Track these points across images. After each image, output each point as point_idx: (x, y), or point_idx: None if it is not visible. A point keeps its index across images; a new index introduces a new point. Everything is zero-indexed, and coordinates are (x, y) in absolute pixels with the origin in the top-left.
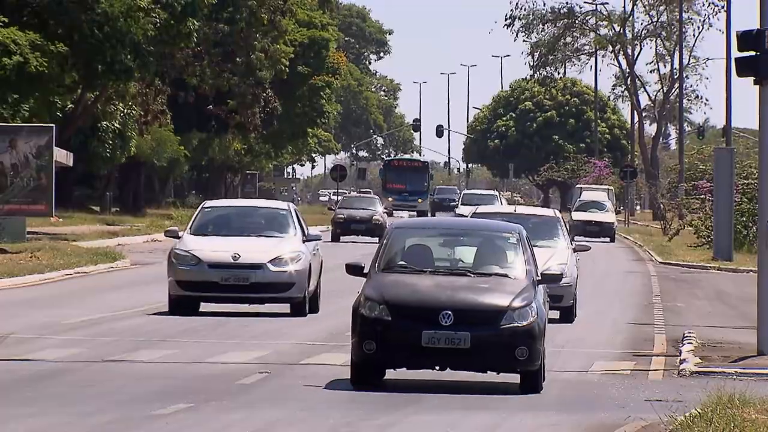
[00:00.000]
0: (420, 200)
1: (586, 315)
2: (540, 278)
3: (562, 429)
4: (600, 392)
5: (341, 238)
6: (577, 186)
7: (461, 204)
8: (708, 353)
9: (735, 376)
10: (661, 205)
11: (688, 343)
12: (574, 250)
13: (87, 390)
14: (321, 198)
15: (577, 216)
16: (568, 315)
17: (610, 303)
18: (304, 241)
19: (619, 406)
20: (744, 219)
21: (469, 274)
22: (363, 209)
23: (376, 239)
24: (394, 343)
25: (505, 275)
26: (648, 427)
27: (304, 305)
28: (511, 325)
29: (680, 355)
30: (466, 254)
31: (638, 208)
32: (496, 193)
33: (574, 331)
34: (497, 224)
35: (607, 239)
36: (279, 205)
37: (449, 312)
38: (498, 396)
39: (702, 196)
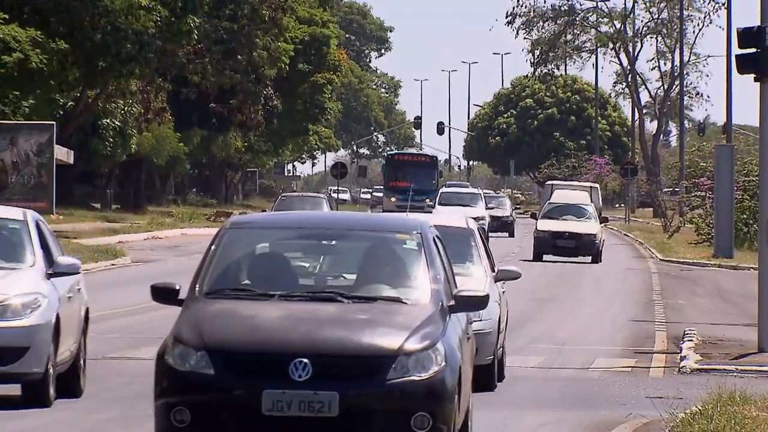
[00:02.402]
0: (428, 200)
1: (587, 312)
2: (454, 303)
3: (563, 426)
4: (601, 389)
5: None
6: (548, 182)
7: (439, 204)
8: (709, 350)
9: (736, 373)
10: (662, 202)
11: (689, 340)
12: (497, 279)
13: (87, 387)
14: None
15: (545, 225)
16: (487, 378)
17: (611, 300)
18: (49, 276)
19: (620, 403)
20: (745, 216)
21: (341, 299)
22: None
23: None
24: (218, 411)
25: (398, 299)
26: (649, 424)
27: (47, 386)
28: (404, 378)
29: (681, 353)
30: (341, 267)
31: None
32: (479, 192)
33: (575, 328)
34: (390, 221)
35: (588, 258)
36: (8, 213)
37: (305, 360)
38: (499, 394)
39: (702, 194)
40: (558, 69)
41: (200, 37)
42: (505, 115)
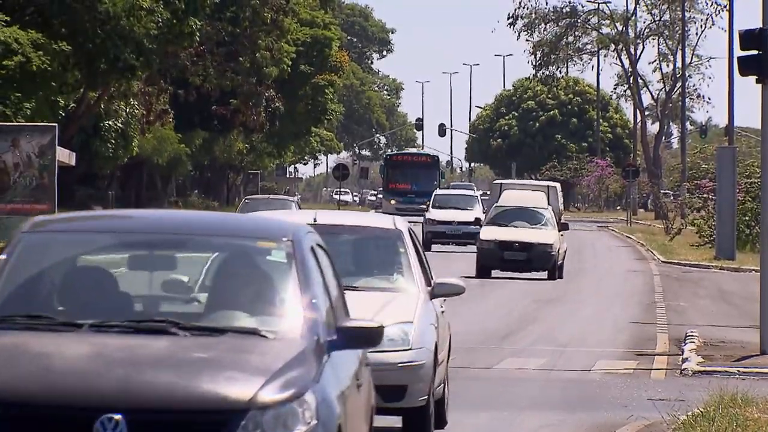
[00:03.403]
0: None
1: (589, 314)
2: (337, 337)
3: (564, 428)
4: (602, 391)
5: None
6: (496, 181)
7: (432, 207)
8: (710, 352)
9: (737, 376)
10: (663, 204)
11: (691, 342)
12: (434, 295)
13: None
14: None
15: (490, 233)
16: (420, 425)
17: (613, 302)
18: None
19: (621, 405)
20: (747, 218)
21: (176, 330)
22: None
23: None
24: None
25: (256, 332)
26: (650, 426)
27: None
28: None
29: (683, 355)
30: (178, 287)
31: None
32: (476, 194)
33: (577, 330)
34: (252, 223)
35: (544, 274)
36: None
37: (117, 416)
38: (500, 395)
39: (704, 195)
40: (559, 71)
41: (202, 39)
42: (507, 117)
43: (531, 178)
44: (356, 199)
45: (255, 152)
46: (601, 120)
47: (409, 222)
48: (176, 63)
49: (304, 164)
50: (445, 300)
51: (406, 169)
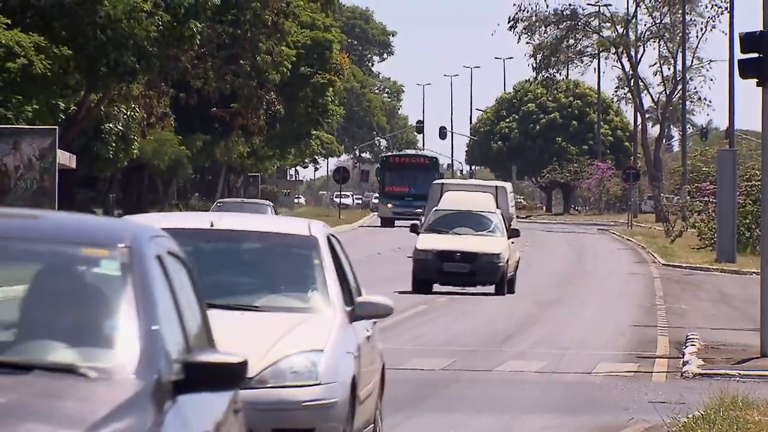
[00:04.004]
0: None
1: (590, 316)
2: (184, 376)
3: (566, 430)
4: (603, 394)
5: None
6: (436, 182)
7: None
8: (711, 355)
9: (738, 378)
10: (664, 207)
11: (692, 345)
12: (356, 317)
13: None
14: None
15: (428, 242)
16: None
17: (614, 305)
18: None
19: (622, 408)
20: (747, 221)
21: None
22: None
23: None
24: None
25: (74, 369)
26: (651, 429)
27: None
28: None
29: (683, 357)
30: None
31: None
32: None
33: (578, 333)
34: (77, 225)
35: (491, 288)
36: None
37: None
38: (501, 398)
39: (705, 198)
40: (560, 74)
41: (203, 42)
42: (507, 120)
43: (532, 182)
44: (358, 201)
45: (256, 155)
46: (601, 123)
47: (407, 227)
48: (177, 66)
49: (305, 167)
50: (375, 322)
51: (404, 170)
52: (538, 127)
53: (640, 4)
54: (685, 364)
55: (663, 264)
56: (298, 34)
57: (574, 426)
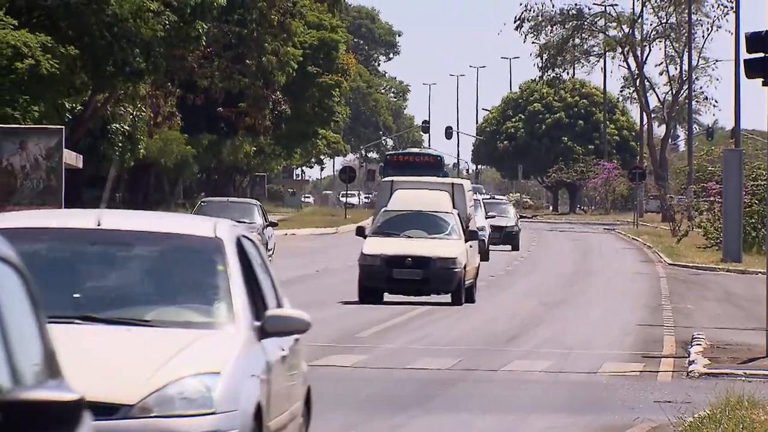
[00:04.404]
0: None
1: (596, 316)
2: (7, 416)
3: (572, 430)
4: (609, 394)
5: None
6: (385, 179)
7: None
8: (717, 355)
9: (744, 378)
10: (670, 207)
11: (697, 344)
12: (265, 333)
13: None
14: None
15: (376, 246)
16: None
17: (619, 304)
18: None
19: (628, 407)
20: (753, 220)
21: None
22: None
23: None
24: None
25: None
26: (657, 428)
27: None
28: None
29: (689, 357)
30: None
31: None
32: (478, 198)
33: (583, 333)
34: None
35: (447, 297)
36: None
37: None
38: (507, 397)
39: (711, 198)
40: (566, 73)
41: (209, 42)
42: (514, 120)
43: (537, 181)
44: (366, 200)
45: (262, 155)
46: (607, 122)
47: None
48: (183, 66)
49: (311, 167)
50: (297, 339)
51: (408, 169)
52: (544, 126)
53: (646, 4)
54: (690, 363)
55: (669, 263)
56: (304, 34)
57: (580, 425)
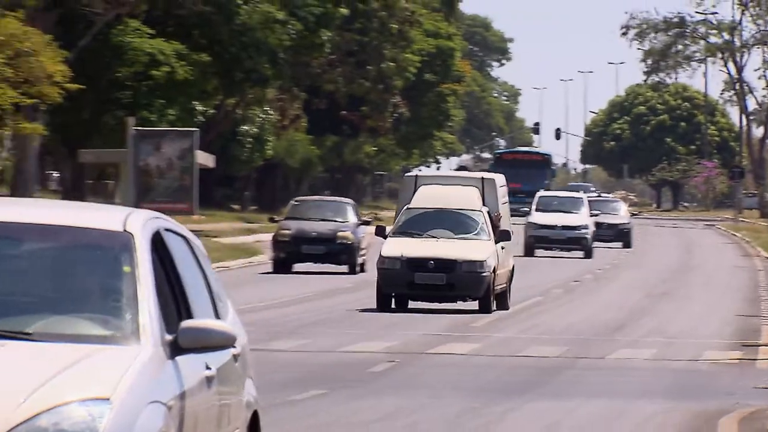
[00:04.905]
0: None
1: (697, 308)
2: None
3: (674, 414)
4: (709, 380)
5: (292, 266)
6: (409, 174)
7: (536, 210)
8: None
9: None
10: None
11: None
12: (178, 349)
13: None
14: None
15: (395, 247)
16: None
17: (720, 296)
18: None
19: (728, 393)
20: None
21: None
22: (322, 221)
23: (345, 267)
24: None
25: None
26: (756, 412)
27: None
28: None
29: None
30: None
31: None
32: (582, 196)
33: (686, 323)
34: None
35: (475, 304)
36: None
37: None
38: (614, 384)
39: None
40: (669, 77)
41: (333, 49)
42: (619, 122)
43: (642, 180)
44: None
45: (382, 154)
46: (708, 124)
47: (515, 224)
48: (308, 72)
49: (428, 166)
50: (237, 356)
51: (517, 167)
52: (648, 128)
53: (745, 12)
54: None
55: (767, 257)
56: (422, 42)
57: (682, 410)
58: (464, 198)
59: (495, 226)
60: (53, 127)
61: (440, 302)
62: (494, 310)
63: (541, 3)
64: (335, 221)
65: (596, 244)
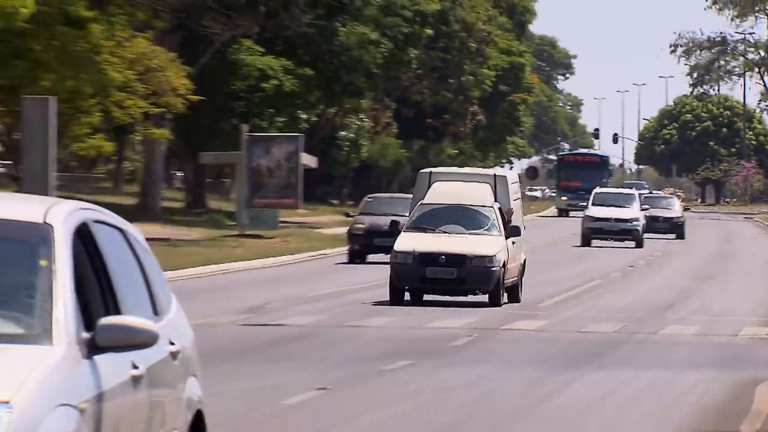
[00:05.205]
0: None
1: (737, 290)
2: None
3: (716, 383)
4: (747, 353)
5: (366, 256)
6: (423, 171)
7: (592, 204)
8: None
9: None
10: None
11: None
12: (96, 348)
13: (327, 350)
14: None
15: (408, 242)
16: None
17: (757, 280)
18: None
19: (765, 364)
20: None
21: None
22: (394, 215)
23: None
24: None
25: None
26: None
27: None
28: None
29: None
30: None
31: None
32: (635, 192)
33: (727, 303)
34: None
35: (485, 297)
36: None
37: None
38: (664, 356)
39: None
40: (712, 89)
41: (419, 65)
42: (668, 128)
43: (688, 178)
44: (553, 194)
45: (462, 156)
46: (746, 129)
47: (575, 217)
48: (398, 84)
49: (501, 167)
50: (177, 352)
51: (577, 168)
52: (693, 133)
53: None
54: None
55: None
56: (497, 58)
57: (724, 379)
58: (476, 194)
59: (507, 221)
60: (177, 133)
61: (451, 296)
62: (505, 303)
63: (600, 24)
64: (405, 216)
65: (653, 235)
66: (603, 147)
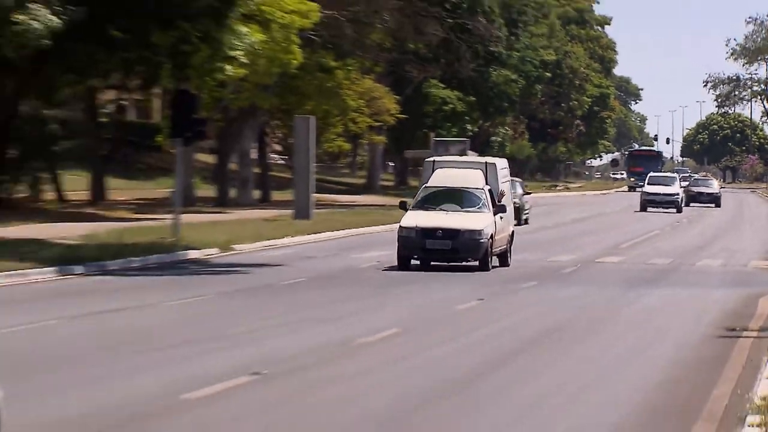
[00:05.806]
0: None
1: (747, 236)
2: None
3: (732, 296)
4: (755, 277)
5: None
6: (428, 159)
7: (648, 184)
8: None
9: None
10: None
11: None
12: None
13: (478, 274)
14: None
15: (412, 219)
16: None
17: (762, 231)
18: None
19: (765, 284)
20: None
21: None
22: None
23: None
24: None
25: None
26: None
27: None
28: None
29: None
30: None
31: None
32: (676, 175)
33: (741, 245)
34: None
35: (476, 264)
36: None
37: None
38: (700, 279)
39: None
40: (730, 110)
41: (542, 95)
42: (702, 134)
43: (715, 166)
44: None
45: (569, 153)
46: (753, 136)
47: (636, 193)
48: (529, 107)
49: (594, 159)
50: None
51: (640, 158)
52: (718, 137)
53: None
54: None
55: None
56: (592, 89)
57: (737, 294)
58: (470, 179)
59: (498, 201)
60: (390, 139)
61: (448, 263)
62: (494, 267)
63: (659, 66)
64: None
65: (699, 205)
66: (659, 146)
